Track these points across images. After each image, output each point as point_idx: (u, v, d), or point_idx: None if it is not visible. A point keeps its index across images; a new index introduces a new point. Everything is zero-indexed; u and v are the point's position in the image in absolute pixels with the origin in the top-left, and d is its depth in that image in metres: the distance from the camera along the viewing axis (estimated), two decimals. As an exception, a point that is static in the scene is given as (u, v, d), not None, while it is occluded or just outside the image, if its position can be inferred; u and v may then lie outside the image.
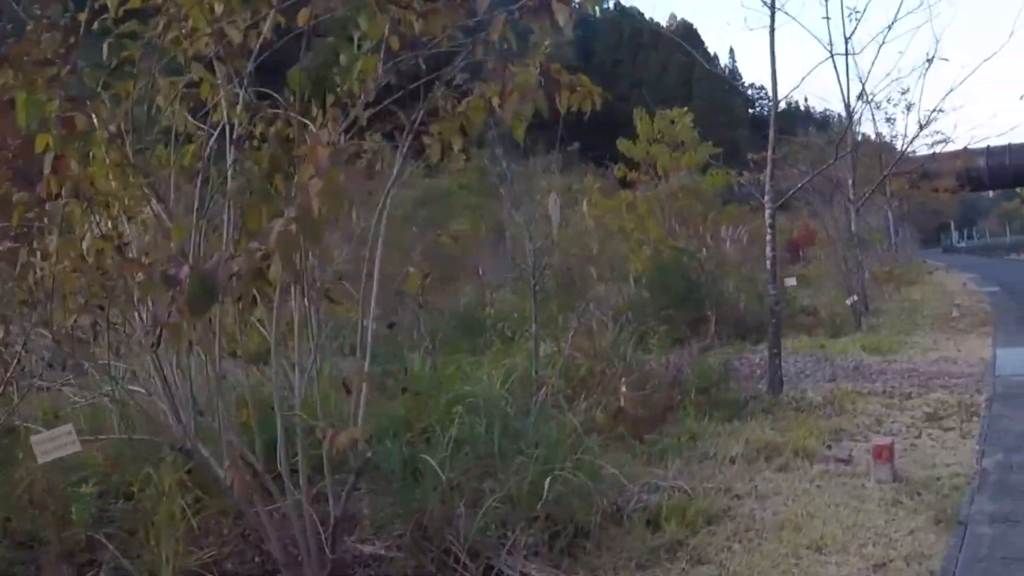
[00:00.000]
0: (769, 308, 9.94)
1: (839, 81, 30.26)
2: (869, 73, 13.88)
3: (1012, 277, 30.24)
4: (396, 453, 5.29)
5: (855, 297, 14.96)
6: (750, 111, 76.43)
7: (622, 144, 28.38)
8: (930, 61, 18.55)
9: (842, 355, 12.38)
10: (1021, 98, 39.27)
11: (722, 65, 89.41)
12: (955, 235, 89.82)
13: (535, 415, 6.30)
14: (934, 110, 21.20)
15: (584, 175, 18.10)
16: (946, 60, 34.10)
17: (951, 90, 24.20)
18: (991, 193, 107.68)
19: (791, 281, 15.68)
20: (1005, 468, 6.51)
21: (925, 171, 38.99)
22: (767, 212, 10.04)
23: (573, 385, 8.23)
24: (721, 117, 60.41)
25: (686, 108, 30.33)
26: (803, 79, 14.84)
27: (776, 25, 10.22)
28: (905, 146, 23.93)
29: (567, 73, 4.62)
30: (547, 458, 5.45)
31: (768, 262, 9.95)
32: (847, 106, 18.64)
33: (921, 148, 33.33)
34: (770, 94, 10.84)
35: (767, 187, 10.17)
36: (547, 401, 7.03)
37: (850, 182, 18.48)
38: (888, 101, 24.52)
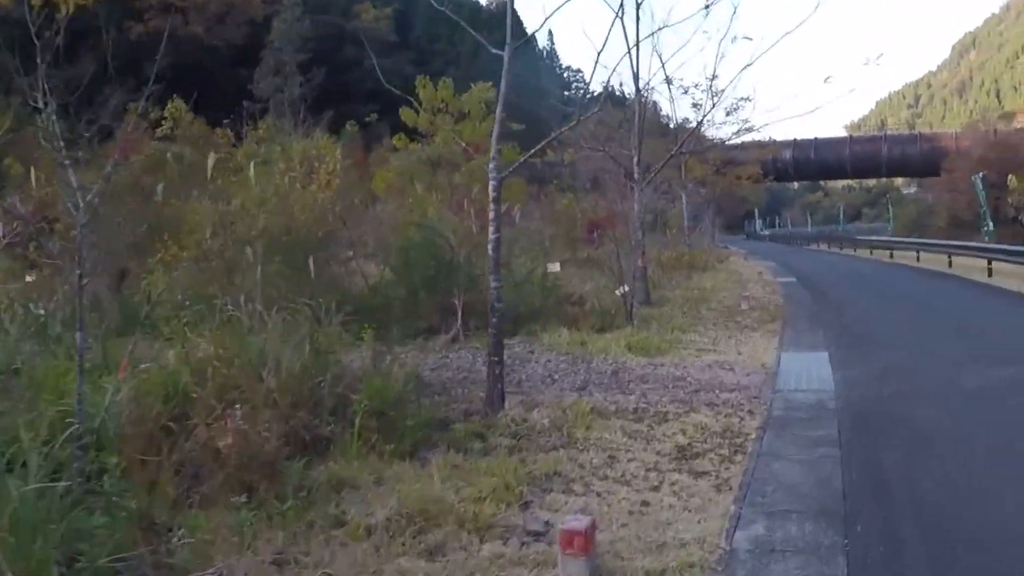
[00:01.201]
0: (490, 305, 7.47)
1: (626, 42, 28.70)
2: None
3: (810, 268, 29.72)
4: None
5: (625, 287, 12.79)
6: (565, 93, 75.10)
7: (404, 113, 26.05)
8: (717, 20, 16.83)
9: (603, 355, 10.18)
10: (826, 80, 39.16)
11: (540, 46, 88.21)
12: (758, 223, 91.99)
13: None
14: (732, 82, 19.65)
15: (316, 137, 15.35)
16: (749, 39, 33.34)
17: (748, 64, 22.99)
18: (796, 184, 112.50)
19: (555, 267, 13.46)
20: (764, 551, 4.30)
21: (731, 158, 38.49)
22: (491, 184, 7.56)
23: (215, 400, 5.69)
24: (533, 96, 58.98)
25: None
26: (550, 15, 12.69)
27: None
28: (698, 123, 22.21)
29: None
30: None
31: (490, 246, 7.48)
32: (633, 65, 16.66)
33: (729, 136, 32.46)
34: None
35: (492, 152, 7.73)
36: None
37: (635, 160, 16.51)
38: (696, 87, 22.99)
